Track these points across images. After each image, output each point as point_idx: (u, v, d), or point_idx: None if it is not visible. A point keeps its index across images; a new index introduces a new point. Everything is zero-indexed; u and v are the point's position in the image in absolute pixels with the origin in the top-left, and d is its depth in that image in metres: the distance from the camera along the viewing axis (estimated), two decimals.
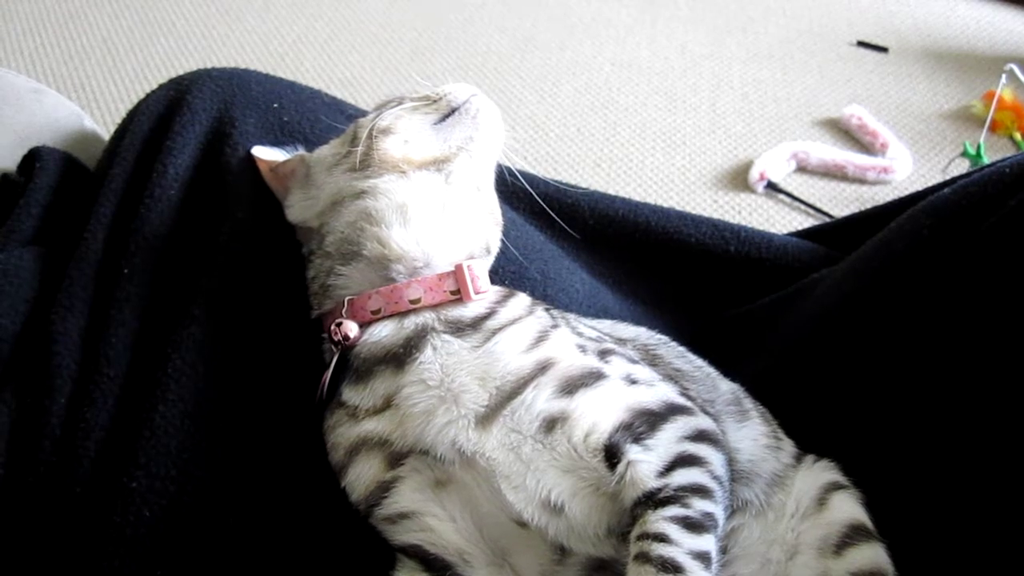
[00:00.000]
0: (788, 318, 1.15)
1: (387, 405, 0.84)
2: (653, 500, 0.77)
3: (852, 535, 0.85)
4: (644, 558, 0.74)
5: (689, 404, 0.87)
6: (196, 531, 0.89)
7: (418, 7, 3.03)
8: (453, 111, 0.96)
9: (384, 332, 0.87)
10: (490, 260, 0.98)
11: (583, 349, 0.87)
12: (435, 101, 0.98)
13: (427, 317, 0.87)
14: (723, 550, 0.82)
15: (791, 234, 1.40)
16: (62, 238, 1.03)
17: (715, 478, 0.82)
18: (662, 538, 0.75)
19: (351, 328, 0.87)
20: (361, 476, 0.85)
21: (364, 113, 1.14)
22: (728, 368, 1.01)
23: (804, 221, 2.17)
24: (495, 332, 0.86)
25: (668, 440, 0.82)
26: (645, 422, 0.82)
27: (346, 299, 0.89)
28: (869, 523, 0.87)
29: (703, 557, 0.75)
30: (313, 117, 1.11)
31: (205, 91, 1.08)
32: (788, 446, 0.96)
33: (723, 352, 1.05)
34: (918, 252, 0.98)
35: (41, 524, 0.88)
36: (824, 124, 2.51)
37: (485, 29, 2.92)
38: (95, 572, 0.86)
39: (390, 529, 0.85)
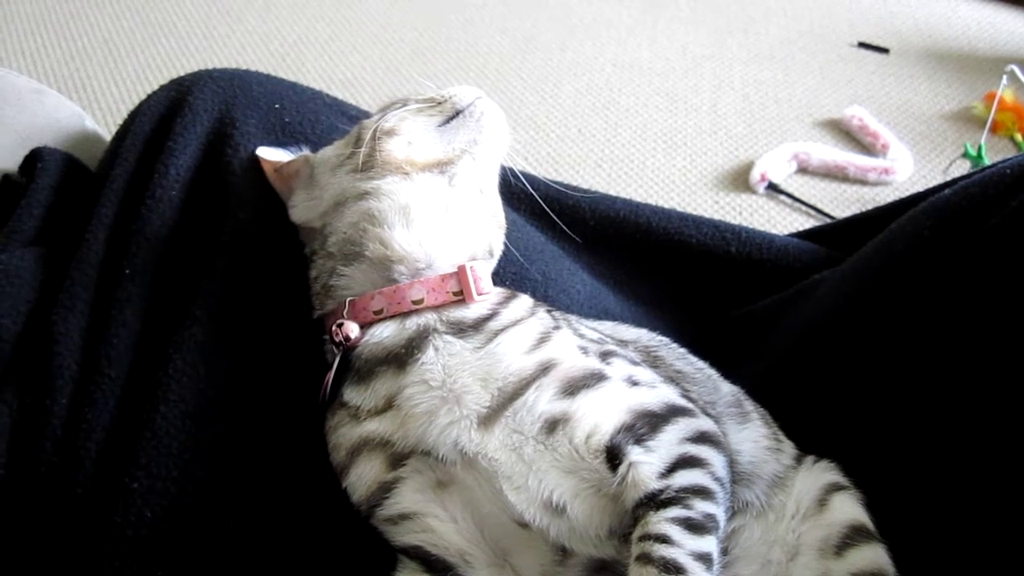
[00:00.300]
0: (789, 319, 1.15)
1: (389, 406, 0.84)
2: (655, 501, 0.77)
3: (853, 536, 0.85)
4: (646, 559, 0.74)
5: (690, 406, 0.87)
6: (197, 532, 0.89)
7: (419, 8, 3.03)
8: (457, 113, 0.96)
9: (386, 333, 0.87)
10: (493, 263, 0.98)
11: (585, 351, 0.87)
12: (439, 103, 0.98)
13: (429, 318, 0.87)
14: (724, 551, 0.82)
15: (792, 235, 1.40)
16: (63, 239, 1.03)
17: (716, 479, 0.82)
18: (664, 539, 0.75)
19: (352, 329, 0.87)
20: (362, 477, 0.85)
21: (366, 114, 1.14)
22: (729, 369, 1.01)
23: (805, 222, 2.17)
24: (497, 333, 0.86)
25: (669, 442, 0.82)
26: (646, 424, 0.82)
27: (348, 300, 0.89)
28: (870, 524, 0.87)
29: (704, 558, 0.75)
30: (314, 118, 1.12)
31: (206, 92, 1.08)
32: (788, 447, 0.96)
33: (724, 353, 1.05)
34: (919, 253, 0.98)
35: (42, 524, 0.88)
36: (825, 125, 2.51)
37: (486, 30, 2.93)
38: (96, 572, 0.86)
39: (391, 530, 0.85)
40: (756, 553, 0.87)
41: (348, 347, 0.88)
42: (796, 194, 2.25)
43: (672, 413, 0.84)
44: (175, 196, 1.02)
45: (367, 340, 0.87)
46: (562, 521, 0.80)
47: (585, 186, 1.30)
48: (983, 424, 0.91)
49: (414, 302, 0.87)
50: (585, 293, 1.16)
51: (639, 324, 1.07)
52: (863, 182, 2.30)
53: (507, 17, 2.99)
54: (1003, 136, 2.39)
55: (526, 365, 0.83)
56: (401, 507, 0.84)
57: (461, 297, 0.88)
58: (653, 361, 0.95)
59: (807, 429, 0.99)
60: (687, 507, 0.77)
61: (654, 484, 0.78)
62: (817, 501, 0.89)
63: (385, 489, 0.84)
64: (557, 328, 0.89)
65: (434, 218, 0.91)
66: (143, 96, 1.14)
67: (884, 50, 2.82)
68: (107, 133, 1.23)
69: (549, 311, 0.93)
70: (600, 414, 0.82)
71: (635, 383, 0.86)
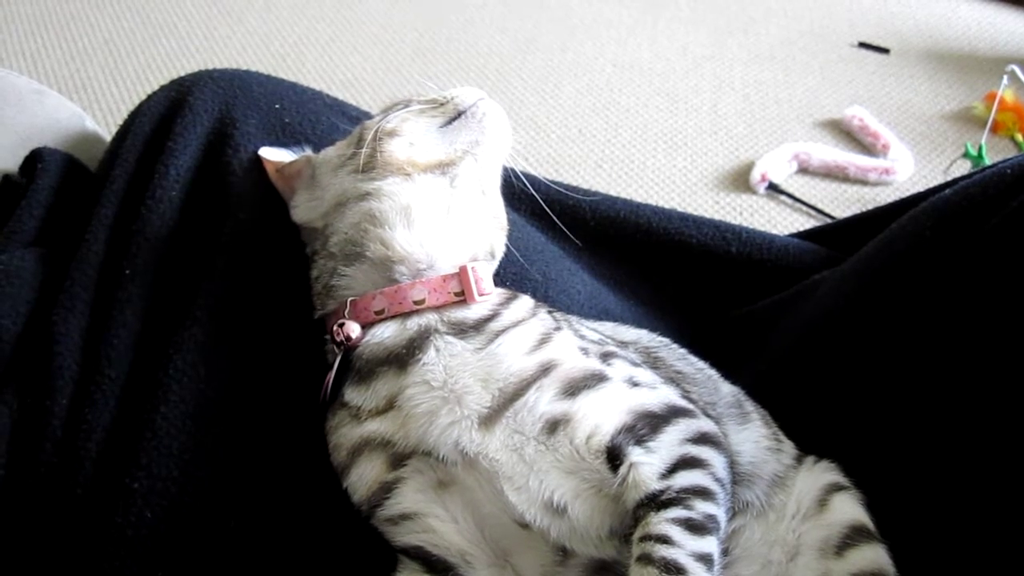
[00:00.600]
0: (789, 319, 1.15)
1: (390, 406, 0.84)
2: (655, 502, 0.77)
3: (853, 536, 0.85)
4: (646, 559, 0.74)
5: (691, 407, 0.87)
6: (197, 532, 0.89)
7: (419, 8, 3.03)
8: (459, 115, 0.96)
9: (387, 333, 0.87)
10: (494, 264, 0.98)
11: (585, 352, 0.87)
12: (442, 104, 0.98)
13: (430, 318, 0.87)
14: (724, 551, 0.82)
15: (792, 235, 1.40)
16: (64, 239, 1.03)
17: (717, 480, 0.82)
18: (664, 540, 0.75)
19: (353, 329, 0.87)
20: (363, 477, 0.85)
21: (366, 114, 1.15)
22: (729, 369, 1.01)
23: (806, 222, 2.17)
24: (498, 334, 0.86)
25: (670, 442, 0.82)
26: (647, 424, 0.82)
27: (349, 300, 0.89)
28: (870, 524, 0.87)
29: (705, 559, 0.75)
30: (314, 118, 1.12)
31: (206, 92, 1.08)
32: (789, 448, 0.96)
33: (725, 353, 1.05)
34: (920, 253, 0.98)
35: (42, 525, 0.88)
36: (825, 125, 2.51)
37: (486, 30, 2.93)
38: (96, 573, 0.86)
39: (392, 530, 0.85)
40: (757, 553, 0.87)
41: (349, 347, 0.88)
42: (797, 194, 2.25)
43: (673, 414, 0.84)
44: (175, 196, 1.02)
45: (368, 340, 0.87)
46: (563, 522, 0.80)
47: (585, 186, 1.30)
48: (983, 424, 0.91)
49: (415, 302, 0.87)
50: (585, 293, 1.16)
51: (639, 324, 1.07)
52: (863, 182, 2.30)
53: (507, 18, 2.99)
54: (1003, 136, 2.39)
55: (527, 366, 0.83)
56: (402, 507, 0.84)
57: (462, 298, 0.88)
58: (653, 362, 0.95)
59: (807, 429, 0.99)
60: (688, 508, 0.77)
61: (655, 485, 0.78)
62: (817, 501, 0.89)
63: (386, 489, 0.84)
64: (558, 329, 0.89)
65: (435, 219, 0.91)
66: (143, 97, 1.14)
67: (884, 50, 2.82)
68: (107, 133, 1.23)
69: (550, 312, 0.93)
70: (601, 415, 0.81)
71: (636, 384, 0.86)
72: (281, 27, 2.91)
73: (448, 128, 0.96)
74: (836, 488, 0.90)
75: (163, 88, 1.13)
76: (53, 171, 1.09)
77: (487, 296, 0.89)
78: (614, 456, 0.80)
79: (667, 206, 1.36)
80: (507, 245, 1.01)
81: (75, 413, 0.91)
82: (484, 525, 0.83)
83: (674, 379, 0.93)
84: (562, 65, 2.77)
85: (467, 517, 0.83)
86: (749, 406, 0.97)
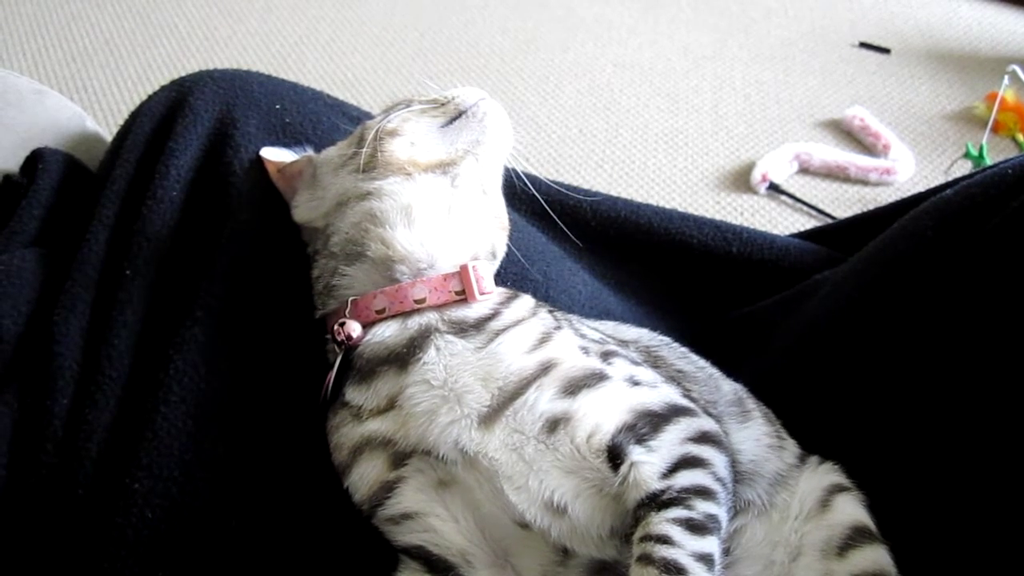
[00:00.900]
0: (790, 320, 1.15)
1: (390, 405, 0.84)
2: (656, 502, 0.77)
3: (855, 537, 0.85)
4: (647, 560, 0.74)
5: (691, 405, 0.87)
6: (198, 532, 0.89)
7: (420, 8, 3.03)
8: (460, 114, 0.96)
9: (387, 332, 0.87)
10: (496, 264, 0.98)
11: (586, 351, 0.87)
12: (443, 104, 0.98)
13: (431, 317, 0.87)
14: (726, 551, 0.82)
15: (793, 235, 1.40)
16: (64, 239, 1.03)
17: (718, 479, 0.81)
18: (665, 540, 0.75)
19: (354, 328, 0.87)
20: (364, 476, 0.85)
21: (367, 114, 1.15)
22: (730, 370, 1.01)
23: (806, 222, 2.17)
24: (498, 333, 0.86)
25: (671, 441, 0.81)
26: (648, 423, 0.82)
27: (350, 299, 0.89)
28: (872, 525, 0.87)
29: (706, 559, 0.75)
30: (315, 118, 1.12)
31: (207, 92, 1.08)
32: (791, 446, 0.96)
33: (725, 354, 1.05)
34: (921, 253, 0.98)
35: (43, 525, 0.88)
36: (826, 125, 2.51)
37: (487, 30, 2.93)
38: (97, 573, 0.86)
39: (393, 530, 0.85)
40: (759, 554, 0.87)
41: (350, 346, 0.88)
42: (797, 194, 2.25)
43: (673, 413, 0.84)
44: (176, 197, 1.02)
45: (369, 339, 0.87)
46: (563, 521, 0.80)
47: (586, 187, 1.30)
48: (984, 424, 0.90)
49: (416, 301, 0.87)
50: (586, 294, 1.16)
51: (640, 324, 1.06)
52: (864, 182, 2.30)
53: (508, 18, 3.00)
54: (1004, 136, 2.40)
55: (527, 365, 0.83)
56: (403, 507, 0.84)
57: (463, 297, 0.88)
58: (654, 361, 0.95)
59: (809, 429, 0.98)
60: (688, 508, 0.77)
61: (656, 484, 0.78)
62: (820, 502, 0.89)
63: (387, 489, 0.84)
64: (558, 328, 0.89)
65: (436, 218, 0.91)
66: (144, 97, 1.14)
67: (885, 50, 2.82)
68: (108, 134, 1.23)
69: (551, 311, 0.93)
70: (601, 414, 0.81)
71: (636, 383, 0.86)
72: (282, 27, 2.91)
73: (449, 128, 0.96)
74: (838, 489, 0.90)
75: (164, 88, 1.13)
76: (54, 171, 1.09)
77: (488, 295, 0.89)
78: (615, 455, 0.80)
79: (668, 206, 1.36)
80: (509, 246, 1.01)
81: (76, 413, 0.91)
82: (484, 525, 0.83)
83: (675, 378, 0.93)
84: (563, 65, 2.77)
85: (467, 517, 0.83)
86: (750, 404, 0.97)
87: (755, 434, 0.93)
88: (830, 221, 2.13)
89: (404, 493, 0.83)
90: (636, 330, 1.02)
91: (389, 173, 0.92)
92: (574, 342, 0.88)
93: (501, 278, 0.99)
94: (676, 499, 0.78)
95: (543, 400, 0.81)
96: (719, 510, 0.80)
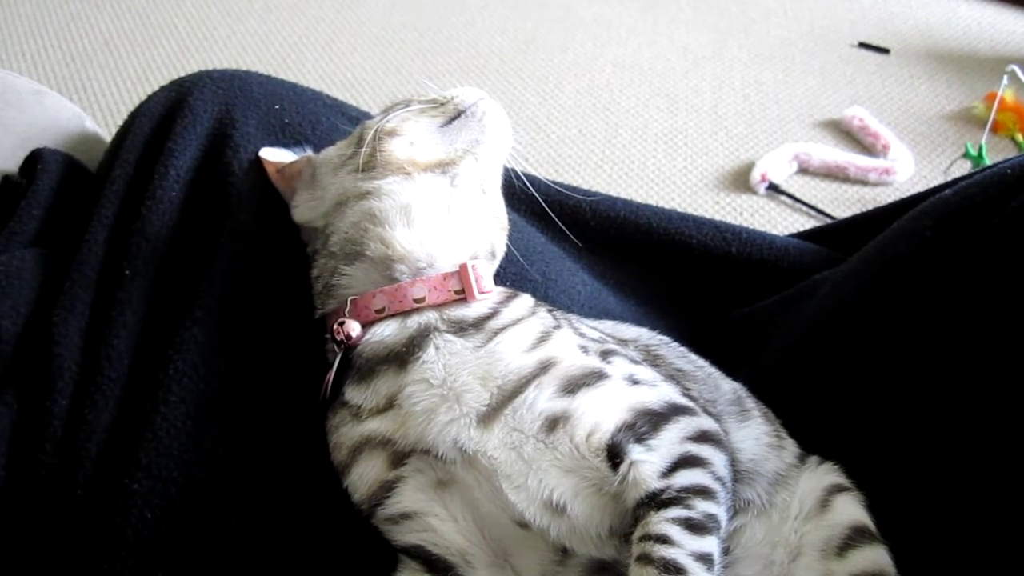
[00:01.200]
0: (789, 320, 1.15)
1: (389, 405, 0.84)
2: (655, 501, 0.77)
3: (855, 537, 0.85)
4: (646, 559, 0.74)
5: (691, 404, 0.87)
6: (197, 533, 0.89)
7: (420, 8, 3.03)
8: (460, 114, 0.96)
9: (387, 331, 0.87)
10: (495, 264, 0.98)
11: (585, 349, 0.87)
12: (442, 104, 0.98)
13: (430, 316, 0.87)
14: (726, 551, 0.82)
15: (793, 235, 1.40)
16: (63, 240, 1.03)
17: (717, 479, 0.81)
18: (664, 539, 0.75)
19: (353, 327, 0.87)
20: (364, 476, 0.85)
21: (366, 114, 1.15)
22: (729, 370, 1.01)
23: (806, 222, 2.17)
24: (498, 332, 0.86)
25: (670, 440, 0.81)
26: (647, 422, 0.82)
27: (349, 299, 0.89)
28: (871, 525, 0.87)
29: (705, 559, 0.75)
30: (314, 118, 1.12)
31: (206, 93, 1.08)
32: (791, 445, 0.96)
33: (724, 354, 1.05)
34: (920, 253, 0.98)
35: (42, 526, 0.88)
36: (826, 125, 2.51)
37: (487, 30, 2.93)
38: (96, 573, 0.86)
39: (392, 529, 0.85)
40: (758, 553, 0.87)
41: (349, 346, 0.88)
42: (797, 194, 2.25)
43: (673, 412, 0.84)
44: (175, 197, 1.02)
45: (368, 339, 0.87)
46: (562, 521, 0.80)
47: (585, 187, 1.30)
48: (984, 424, 0.90)
49: (416, 300, 0.87)
50: (586, 294, 1.16)
51: (639, 324, 1.06)
52: (864, 182, 2.30)
53: (508, 18, 3.00)
54: (1004, 136, 2.40)
55: (526, 363, 0.83)
56: (402, 506, 0.84)
57: (463, 296, 0.88)
58: (654, 360, 0.95)
59: (808, 429, 0.98)
60: (688, 507, 0.77)
61: (655, 483, 0.78)
62: (819, 502, 0.89)
63: (386, 488, 0.84)
64: (558, 327, 0.89)
65: (436, 218, 0.91)
66: (143, 97, 1.14)
67: (885, 50, 2.82)
68: (107, 134, 1.23)
69: (550, 311, 0.93)
70: (601, 412, 0.81)
71: (636, 382, 0.86)
72: (281, 28, 2.91)
73: (448, 128, 0.96)
74: (838, 489, 0.90)
75: (163, 89, 1.13)
76: (53, 172, 1.09)
77: (487, 294, 0.89)
78: (614, 454, 0.80)
79: (667, 206, 1.36)
80: (508, 246, 1.01)
81: (75, 413, 0.91)
82: (484, 524, 0.83)
83: (674, 377, 0.93)
84: (562, 65, 2.77)
85: (467, 516, 0.83)
86: (750, 403, 0.97)
87: (754, 433, 0.93)
88: (829, 221, 2.13)
89: (403, 493, 0.83)
90: (635, 329, 1.02)
91: (388, 173, 0.92)
92: (573, 341, 0.88)
93: (500, 278, 0.99)
94: (675, 498, 0.78)
95: (542, 399, 0.82)
96: (719, 509, 0.80)
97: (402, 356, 0.85)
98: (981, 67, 2.73)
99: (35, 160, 1.10)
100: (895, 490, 0.92)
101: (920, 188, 1.57)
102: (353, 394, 0.87)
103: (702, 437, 0.84)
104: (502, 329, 0.86)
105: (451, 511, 0.83)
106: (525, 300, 0.92)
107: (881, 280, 1.02)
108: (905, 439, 0.97)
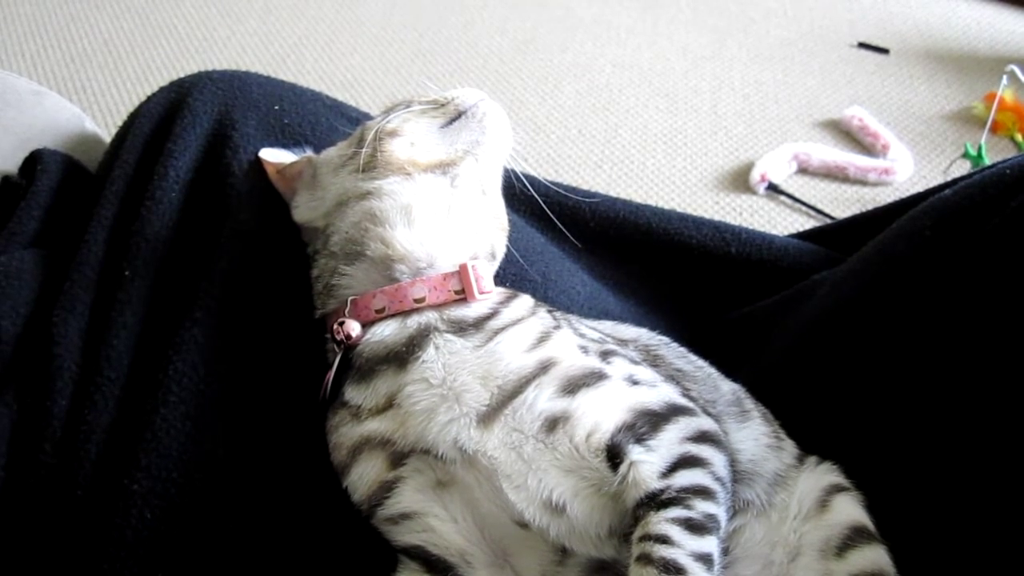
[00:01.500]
0: (789, 320, 1.15)
1: (389, 404, 0.84)
2: (655, 501, 0.77)
3: (854, 537, 0.85)
4: (646, 559, 0.74)
5: (691, 405, 0.87)
6: (197, 533, 0.89)
7: (419, 9, 3.03)
8: (460, 115, 0.96)
9: (387, 331, 0.87)
10: (495, 265, 0.98)
11: (585, 350, 0.87)
12: (443, 105, 0.98)
13: (430, 316, 0.87)
14: (725, 551, 0.82)
15: (792, 235, 1.40)
16: (63, 240, 1.03)
17: (717, 479, 0.82)
18: (664, 539, 0.75)
19: (353, 327, 0.87)
20: (363, 476, 0.85)
21: (366, 115, 1.15)
22: (729, 370, 1.01)
23: (805, 222, 2.17)
24: (497, 332, 0.86)
25: (670, 441, 0.82)
26: (647, 423, 0.82)
27: (349, 299, 0.90)
28: (870, 525, 0.87)
29: (705, 559, 0.75)
30: (314, 119, 1.12)
31: (206, 93, 1.08)
32: (790, 446, 0.96)
33: (724, 354, 1.05)
34: (919, 253, 0.98)
35: (42, 526, 0.88)
36: (825, 125, 2.51)
37: (486, 31, 2.93)
38: (96, 574, 0.86)
39: (392, 530, 0.85)
40: (758, 553, 0.87)
41: (349, 346, 0.88)
42: (796, 195, 2.25)
43: (673, 412, 0.84)
44: (175, 198, 1.02)
45: (368, 338, 0.87)
46: (562, 521, 0.80)
47: (585, 187, 1.30)
48: (983, 424, 0.91)
49: (416, 300, 0.87)
50: (585, 294, 1.16)
51: (639, 325, 1.06)
52: (863, 182, 2.30)
53: (507, 18, 3.00)
54: (1003, 136, 2.40)
55: (526, 363, 0.83)
56: (402, 506, 0.84)
57: (463, 296, 0.88)
58: (653, 360, 0.95)
59: (808, 429, 0.98)
60: (688, 507, 0.77)
61: (655, 484, 0.78)
62: (818, 502, 0.89)
63: (386, 488, 0.84)
64: (557, 327, 0.89)
65: (436, 218, 0.91)
66: (143, 98, 1.14)
67: (884, 50, 2.82)
68: (107, 135, 1.23)
69: (550, 311, 0.93)
70: (600, 413, 0.81)
71: (635, 382, 0.86)
72: (280, 28, 2.91)
73: (449, 128, 0.96)
74: (837, 489, 0.90)
75: (162, 89, 1.13)
76: (53, 172, 1.10)
77: (487, 294, 0.89)
78: (614, 454, 0.80)
79: (667, 207, 1.36)
80: (508, 246, 1.01)
81: (75, 414, 0.91)
82: (483, 525, 0.83)
83: (674, 377, 0.93)
84: (562, 66, 2.77)
85: (466, 517, 0.83)
86: (749, 404, 0.97)
87: (754, 434, 0.93)
88: (829, 221, 2.13)
89: (403, 493, 0.84)
90: (635, 329, 1.02)
91: (389, 173, 0.92)
92: (573, 341, 0.88)
93: (500, 278, 0.99)
94: (675, 499, 0.78)
95: (542, 399, 0.82)
96: (718, 510, 0.80)
97: (402, 356, 0.85)
98: (980, 67, 2.73)
99: (35, 161, 1.11)
100: (894, 490, 0.92)
101: (919, 188, 1.57)
102: (353, 394, 0.87)
103: (702, 437, 0.84)
104: (502, 329, 0.86)
105: (451, 511, 0.83)
106: (525, 300, 0.92)
107: (880, 280, 1.02)
108: (904, 439, 0.97)
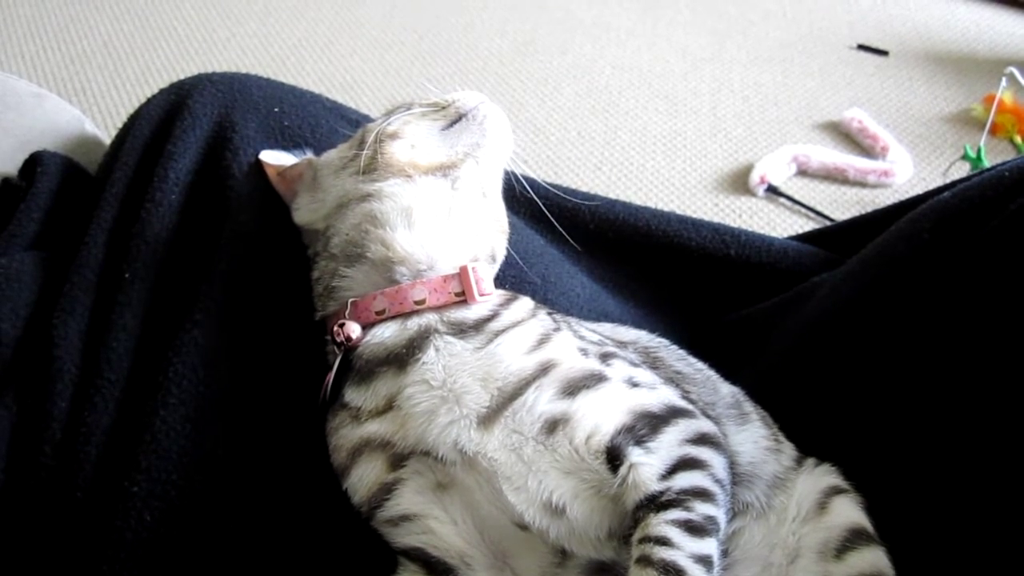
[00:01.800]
0: (788, 322, 1.15)
1: (389, 406, 0.84)
2: (655, 503, 0.77)
3: (853, 539, 0.85)
4: (645, 561, 0.74)
5: (690, 407, 0.87)
6: (197, 535, 0.89)
7: (419, 11, 3.03)
8: (461, 117, 0.97)
9: (387, 333, 0.87)
10: (495, 267, 0.98)
11: (585, 352, 0.87)
12: (443, 107, 0.98)
13: (430, 318, 0.87)
14: (724, 553, 0.82)
15: (792, 238, 1.40)
16: (63, 242, 1.03)
17: (717, 481, 0.82)
18: (664, 541, 0.75)
19: (353, 329, 0.87)
20: (363, 478, 0.85)
21: (366, 117, 1.15)
22: (728, 372, 1.01)
23: (805, 224, 2.17)
24: (497, 334, 0.86)
25: (670, 443, 0.82)
26: (647, 425, 0.82)
27: (350, 300, 0.90)
28: (869, 527, 0.87)
29: (704, 560, 0.75)
30: (314, 121, 1.12)
31: (206, 95, 1.08)
32: (788, 448, 0.96)
33: (723, 356, 1.05)
34: (919, 255, 0.98)
35: (42, 528, 0.88)
36: (825, 127, 2.51)
37: (486, 33, 2.93)
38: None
39: (392, 532, 0.85)
40: (757, 555, 0.87)
41: (349, 347, 0.88)
42: (796, 196, 2.25)
43: (672, 414, 0.84)
44: (175, 200, 1.02)
45: (368, 340, 0.87)
46: (562, 522, 0.80)
47: (585, 189, 1.30)
48: (983, 426, 0.91)
49: (416, 302, 0.87)
50: (585, 296, 1.17)
51: (638, 327, 1.06)
52: (863, 184, 2.31)
53: (507, 20, 3.00)
54: (1002, 138, 2.40)
55: (526, 365, 0.83)
56: (401, 508, 0.84)
57: (463, 298, 0.88)
58: (653, 362, 0.95)
59: (807, 431, 0.99)
60: (687, 509, 0.77)
61: (655, 486, 0.78)
62: (817, 504, 0.89)
63: (386, 490, 0.84)
64: (557, 330, 0.89)
65: (436, 220, 0.91)
66: (143, 100, 1.14)
67: (883, 52, 2.82)
68: (107, 137, 1.23)
69: (550, 313, 0.93)
70: (600, 415, 0.82)
71: (635, 384, 0.86)
72: (280, 30, 2.92)
73: (449, 131, 0.96)
74: (836, 491, 0.90)
75: (162, 91, 1.13)
76: (53, 174, 1.10)
77: (487, 296, 0.89)
78: (614, 456, 0.80)
79: (666, 209, 1.36)
80: (508, 248, 1.01)
81: (74, 416, 0.91)
82: (483, 526, 0.83)
83: (673, 379, 0.93)
84: (562, 68, 2.77)
85: (466, 518, 0.83)
86: (748, 406, 0.97)
87: (753, 436, 0.93)
88: (828, 223, 2.12)
89: (403, 495, 0.84)
90: (634, 332, 1.02)
91: (389, 175, 0.92)
92: (573, 343, 0.88)
93: (500, 280, 0.99)
94: (675, 501, 0.78)
95: (542, 401, 0.82)
96: (718, 512, 0.80)
97: (402, 358, 0.85)
98: (980, 69, 2.73)
99: (34, 163, 1.11)
100: (894, 491, 0.92)
101: (919, 190, 1.57)
102: (353, 396, 0.87)
103: (701, 440, 0.84)
104: (502, 331, 0.86)
105: (451, 513, 0.83)
106: (525, 302, 0.92)
107: (880, 282, 1.02)
108: (904, 440, 0.97)
